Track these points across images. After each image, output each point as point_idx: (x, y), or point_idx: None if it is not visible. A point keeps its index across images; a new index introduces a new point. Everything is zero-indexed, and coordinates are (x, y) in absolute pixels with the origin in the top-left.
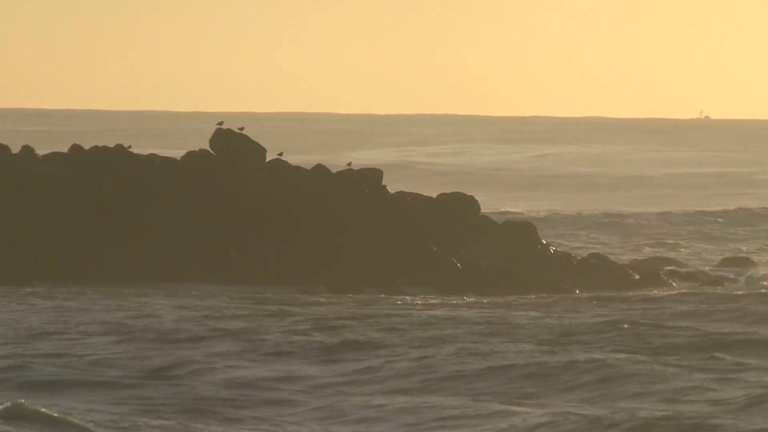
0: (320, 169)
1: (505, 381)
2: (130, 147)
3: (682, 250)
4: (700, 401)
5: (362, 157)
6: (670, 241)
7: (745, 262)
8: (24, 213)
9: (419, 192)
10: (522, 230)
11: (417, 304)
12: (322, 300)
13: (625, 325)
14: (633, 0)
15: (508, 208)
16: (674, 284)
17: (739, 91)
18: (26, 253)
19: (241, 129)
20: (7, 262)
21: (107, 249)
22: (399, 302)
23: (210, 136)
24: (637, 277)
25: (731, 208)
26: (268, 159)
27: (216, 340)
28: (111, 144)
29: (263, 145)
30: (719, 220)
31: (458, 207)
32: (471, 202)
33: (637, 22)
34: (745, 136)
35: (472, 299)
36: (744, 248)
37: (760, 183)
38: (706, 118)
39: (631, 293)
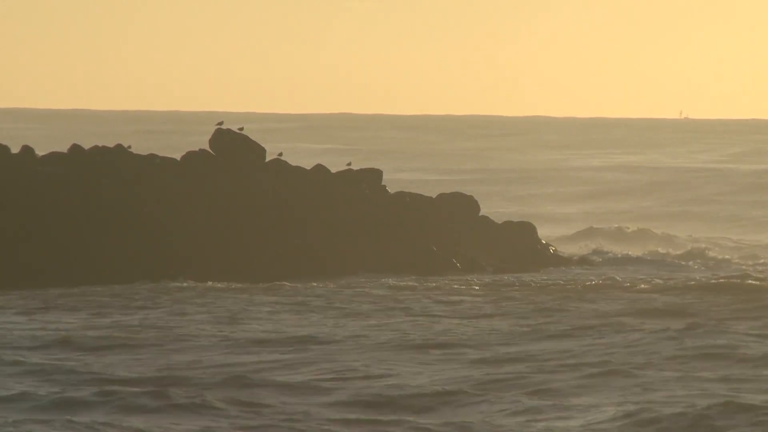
0: (320, 169)
1: None
2: (129, 147)
3: None
4: None
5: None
6: None
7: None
8: (22, 214)
9: None
10: (522, 230)
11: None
12: None
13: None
14: (612, 2)
15: None
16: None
17: (720, 92)
18: (25, 254)
19: (241, 129)
20: (6, 263)
21: (106, 250)
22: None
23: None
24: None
25: None
26: (267, 159)
27: None
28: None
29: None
30: None
31: (458, 207)
32: (471, 202)
33: (622, 23)
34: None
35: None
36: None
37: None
38: (686, 118)
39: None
